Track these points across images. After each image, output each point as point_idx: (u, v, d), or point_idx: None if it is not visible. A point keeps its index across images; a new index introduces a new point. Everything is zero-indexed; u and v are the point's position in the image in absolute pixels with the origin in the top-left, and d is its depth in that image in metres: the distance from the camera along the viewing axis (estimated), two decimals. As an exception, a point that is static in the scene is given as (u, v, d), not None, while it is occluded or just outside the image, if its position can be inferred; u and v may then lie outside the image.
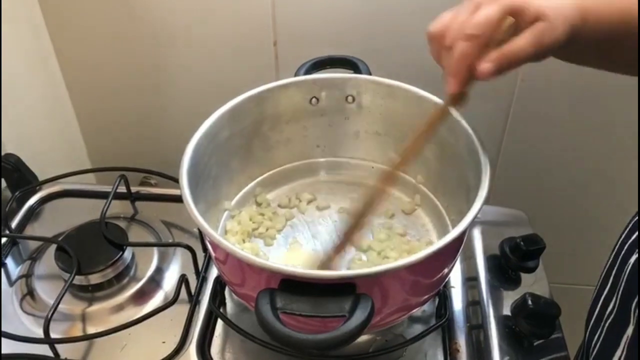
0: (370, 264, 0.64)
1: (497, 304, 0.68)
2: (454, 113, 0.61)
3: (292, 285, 0.47)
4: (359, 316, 0.44)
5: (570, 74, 0.87)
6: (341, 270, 0.54)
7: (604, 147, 0.95)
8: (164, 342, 0.64)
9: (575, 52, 0.53)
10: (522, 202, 0.82)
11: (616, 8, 0.49)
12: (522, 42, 0.47)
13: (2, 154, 0.79)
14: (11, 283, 0.71)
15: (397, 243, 0.66)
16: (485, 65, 0.47)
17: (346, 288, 0.47)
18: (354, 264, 0.64)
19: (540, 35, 0.47)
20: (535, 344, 0.64)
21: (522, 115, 0.93)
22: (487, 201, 0.54)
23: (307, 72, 0.70)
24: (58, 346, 0.62)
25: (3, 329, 0.64)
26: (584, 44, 0.50)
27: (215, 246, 0.53)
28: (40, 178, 0.82)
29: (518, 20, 0.48)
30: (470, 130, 0.59)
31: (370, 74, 0.70)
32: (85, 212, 0.77)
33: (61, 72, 0.93)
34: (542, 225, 0.78)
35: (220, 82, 0.91)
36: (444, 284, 0.62)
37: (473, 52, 0.47)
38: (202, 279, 0.69)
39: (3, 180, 0.80)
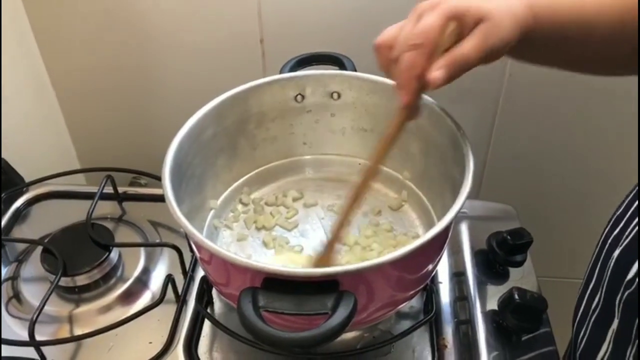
0: (357, 260, 0.64)
1: (485, 299, 0.68)
2: (437, 109, 0.61)
3: (275, 283, 0.47)
4: (341, 313, 0.44)
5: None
6: (323, 268, 0.53)
7: (592, 142, 0.95)
8: (150, 343, 0.63)
9: (532, 52, 0.52)
10: (511, 197, 0.82)
11: (569, 4, 0.49)
12: (467, 45, 0.46)
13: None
14: (-3, 286, 0.71)
15: (383, 239, 0.66)
16: (435, 73, 0.46)
17: (329, 285, 0.47)
18: (339, 261, 0.64)
19: (484, 35, 0.46)
20: (523, 338, 0.64)
21: (511, 111, 0.93)
22: (471, 195, 0.53)
23: (292, 70, 0.70)
24: (44, 349, 0.61)
25: (-12, 332, 0.64)
26: (540, 43, 0.50)
27: (199, 246, 0.53)
28: (28, 179, 0.82)
29: (461, 24, 0.47)
30: (454, 126, 0.59)
31: (355, 70, 0.69)
32: (73, 213, 0.77)
33: (48, 74, 0.92)
34: (531, 220, 0.78)
35: (208, 80, 0.91)
36: (430, 279, 0.62)
37: (420, 61, 0.46)
38: (189, 279, 0.69)
39: (-11, 183, 0.80)
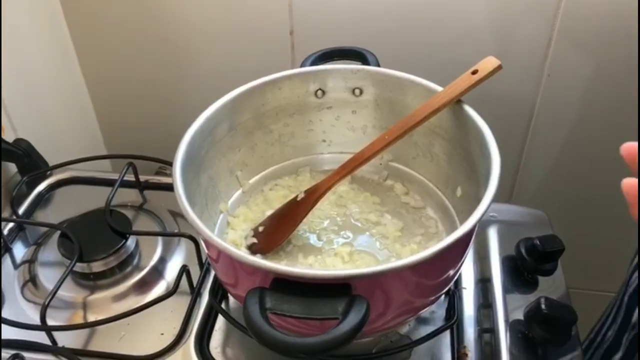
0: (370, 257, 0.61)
1: (511, 308, 0.65)
2: (466, 108, 0.59)
3: (284, 284, 0.45)
4: (352, 319, 0.42)
5: (599, 69, 0.82)
6: (336, 270, 0.51)
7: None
8: (162, 334, 0.63)
9: None
10: (544, 203, 0.79)
11: None
12: None
13: (14, 138, 0.79)
14: (15, 266, 0.71)
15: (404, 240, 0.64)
16: None
17: (341, 289, 0.45)
18: (356, 257, 0.62)
19: None
20: (549, 351, 0.61)
21: (547, 115, 0.89)
22: (502, 199, 0.51)
23: (314, 64, 0.67)
24: (56, 334, 0.61)
25: (3, 314, 0.64)
26: None
27: (208, 243, 0.51)
28: (52, 162, 0.82)
29: None
30: (481, 126, 0.56)
31: (379, 65, 0.67)
32: (95, 199, 0.76)
33: (77, 58, 0.92)
34: (564, 227, 0.75)
35: (237, 72, 0.89)
36: (452, 284, 0.59)
37: None
38: (204, 271, 0.68)
39: (14, 165, 0.80)
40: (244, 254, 0.47)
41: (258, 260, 0.46)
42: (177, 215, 0.77)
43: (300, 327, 0.48)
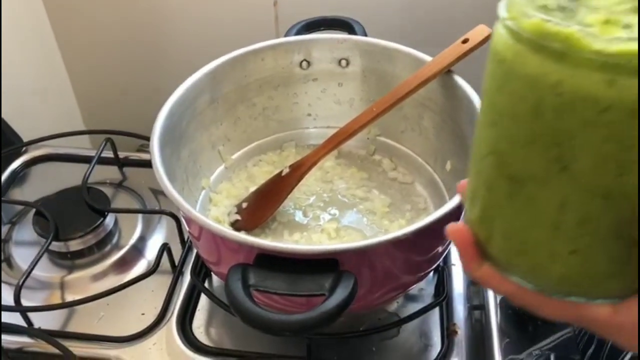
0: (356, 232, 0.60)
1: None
2: (456, 78, 0.57)
3: (267, 260, 0.43)
4: (339, 295, 0.40)
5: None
6: (322, 245, 0.49)
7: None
8: (143, 314, 0.61)
9: None
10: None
11: None
12: None
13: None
14: (-12, 248, 0.68)
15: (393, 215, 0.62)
16: None
17: (327, 264, 0.43)
18: (343, 233, 0.60)
19: None
20: (539, 327, 0.60)
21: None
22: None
23: (299, 34, 0.65)
24: (32, 315, 0.59)
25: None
26: None
27: (188, 219, 0.49)
28: (27, 140, 0.79)
29: None
30: (472, 98, 0.54)
31: (366, 36, 0.64)
32: (72, 177, 0.74)
33: (52, 29, 0.88)
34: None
35: (220, 44, 0.87)
36: (441, 261, 0.58)
37: None
38: (187, 249, 0.66)
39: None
40: (226, 229, 0.45)
41: (241, 235, 0.44)
42: (159, 192, 0.74)
43: (285, 304, 0.46)
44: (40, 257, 0.60)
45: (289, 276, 0.42)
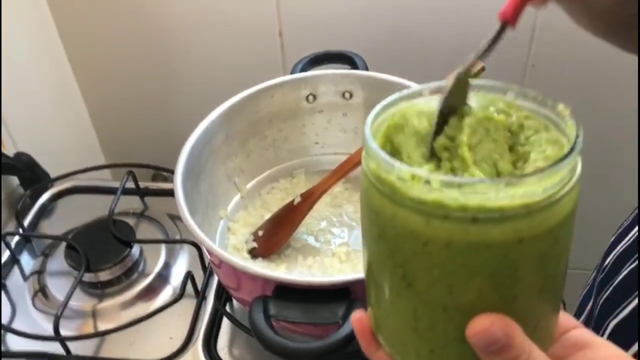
0: None
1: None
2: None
3: (285, 291, 0.47)
4: (351, 323, 0.45)
5: (582, 60, 0.84)
6: (334, 277, 0.54)
7: (614, 135, 0.92)
8: (171, 338, 0.65)
9: None
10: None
11: None
12: None
13: (14, 152, 0.81)
14: (25, 278, 0.73)
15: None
16: None
17: (340, 293, 0.47)
18: (353, 256, 0.64)
19: None
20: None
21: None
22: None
23: (304, 69, 0.69)
24: (69, 343, 0.64)
25: (16, 325, 0.66)
26: None
27: (212, 254, 0.53)
28: (53, 173, 0.84)
29: None
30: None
31: (367, 68, 0.69)
32: (97, 208, 0.79)
33: (71, 69, 0.94)
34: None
35: (229, 74, 0.92)
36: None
37: None
38: (208, 274, 0.70)
39: (15, 178, 0.82)
40: (246, 264, 0.49)
41: (260, 270, 0.49)
42: (177, 218, 0.79)
43: (302, 330, 0.51)
44: (75, 288, 0.65)
45: (305, 306, 0.46)
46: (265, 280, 0.49)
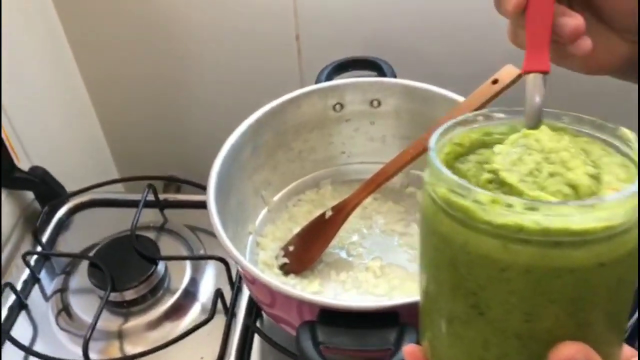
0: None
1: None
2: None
3: (331, 316, 0.46)
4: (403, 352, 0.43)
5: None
6: (382, 301, 0.52)
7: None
8: (202, 358, 0.64)
9: None
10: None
11: None
12: None
13: (29, 167, 0.79)
14: (46, 298, 0.71)
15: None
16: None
17: (389, 318, 0.46)
18: (387, 270, 0.63)
19: None
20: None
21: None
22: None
23: (329, 76, 0.68)
24: (98, 366, 0.62)
25: (39, 347, 0.65)
26: None
27: (247, 273, 0.52)
28: (68, 187, 0.82)
29: None
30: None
31: (394, 75, 0.67)
32: (114, 221, 0.77)
33: (84, 83, 0.92)
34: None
35: (244, 79, 0.90)
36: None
37: None
38: (236, 290, 0.69)
39: (31, 193, 0.80)
40: (290, 289, 0.48)
41: (306, 294, 0.47)
42: (198, 230, 0.77)
43: (354, 354, 0.49)
44: (102, 310, 0.64)
45: (354, 331, 0.45)
46: (310, 305, 0.47)
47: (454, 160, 0.31)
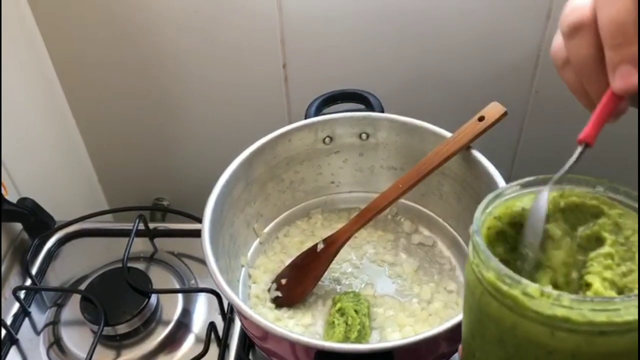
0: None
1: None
2: (475, 153, 0.61)
3: (328, 358, 0.47)
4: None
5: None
6: (376, 343, 0.53)
7: (622, 161, 0.93)
8: (196, 391, 0.64)
9: None
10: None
11: None
12: None
13: (17, 198, 0.78)
14: (37, 332, 0.71)
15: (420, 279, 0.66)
16: None
17: (383, 358, 0.47)
18: (380, 301, 0.64)
19: None
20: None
21: (536, 130, 0.91)
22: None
23: (318, 109, 0.69)
24: (93, 403, 0.62)
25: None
26: None
27: (248, 321, 0.52)
28: (57, 218, 0.82)
29: None
30: (491, 171, 0.59)
31: (382, 108, 0.69)
32: (104, 251, 0.78)
33: (73, 117, 0.92)
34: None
35: (230, 108, 0.90)
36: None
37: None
38: (228, 321, 0.69)
39: (19, 225, 0.80)
40: (287, 332, 0.49)
41: (302, 337, 0.48)
42: (188, 258, 0.78)
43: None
44: (96, 345, 0.64)
45: (351, 372, 0.46)
46: (306, 347, 0.48)
47: (495, 236, 0.32)
